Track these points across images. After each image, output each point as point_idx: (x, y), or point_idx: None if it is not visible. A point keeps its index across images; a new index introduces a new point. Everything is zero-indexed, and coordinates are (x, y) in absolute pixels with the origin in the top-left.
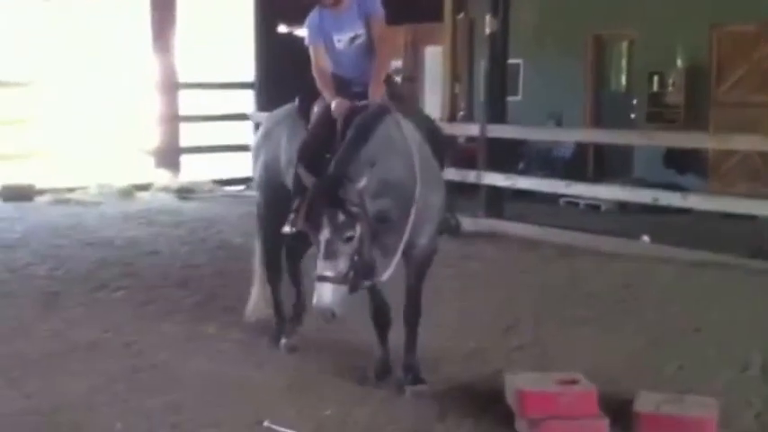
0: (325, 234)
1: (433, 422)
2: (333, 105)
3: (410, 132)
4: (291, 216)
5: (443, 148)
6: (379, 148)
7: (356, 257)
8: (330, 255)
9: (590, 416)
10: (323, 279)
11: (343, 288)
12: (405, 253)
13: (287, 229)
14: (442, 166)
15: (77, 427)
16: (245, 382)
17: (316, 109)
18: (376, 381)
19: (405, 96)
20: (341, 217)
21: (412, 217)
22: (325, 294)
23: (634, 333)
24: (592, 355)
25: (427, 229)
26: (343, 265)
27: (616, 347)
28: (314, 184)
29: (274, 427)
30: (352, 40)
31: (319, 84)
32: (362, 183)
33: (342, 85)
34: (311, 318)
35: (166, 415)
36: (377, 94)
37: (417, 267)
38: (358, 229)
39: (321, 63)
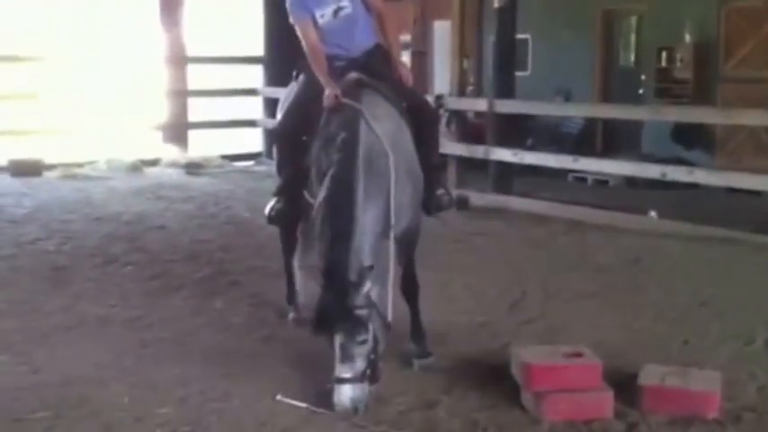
0: (339, 340)
1: (439, 395)
2: (325, 96)
3: (383, 123)
4: (273, 200)
5: (428, 121)
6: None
7: (372, 356)
8: (346, 359)
9: (595, 389)
10: (342, 381)
11: (364, 385)
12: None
13: (267, 210)
14: (429, 137)
15: (85, 400)
16: (252, 356)
17: (297, 82)
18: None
19: (386, 71)
20: (351, 324)
21: (392, 245)
22: (345, 396)
23: (640, 307)
24: (598, 329)
25: (406, 214)
26: (360, 364)
27: (622, 321)
28: (321, 297)
29: (286, 399)
30: (336, 12)
31: (313, 65)
32: (367, 287)
33: (329, 68)
34: None
35: (174, 388)
36: (407, 78)
37: (404, 247)
38: (371, 328)
39: (312, 40)
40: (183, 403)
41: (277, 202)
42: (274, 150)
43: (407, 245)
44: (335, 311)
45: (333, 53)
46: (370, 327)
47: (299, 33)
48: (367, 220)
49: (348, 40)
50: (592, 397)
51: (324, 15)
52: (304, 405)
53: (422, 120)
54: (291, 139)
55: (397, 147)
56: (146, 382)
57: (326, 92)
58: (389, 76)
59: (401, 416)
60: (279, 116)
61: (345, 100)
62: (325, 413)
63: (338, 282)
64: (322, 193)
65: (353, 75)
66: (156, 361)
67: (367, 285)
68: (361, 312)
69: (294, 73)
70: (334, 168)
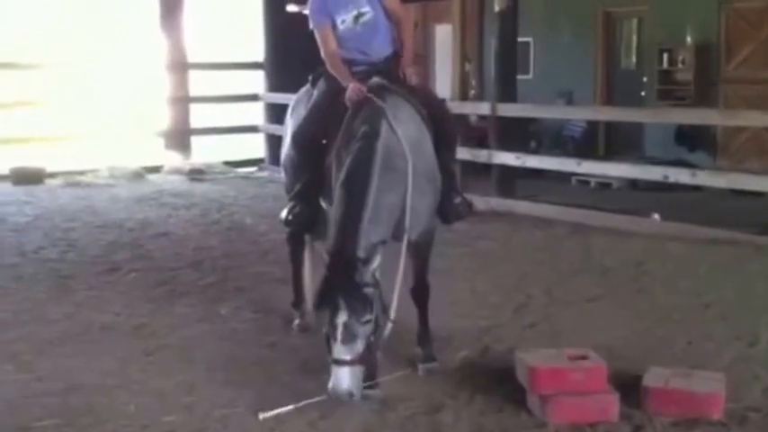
0: (342, 318)
1: (445, 399)
2: (348, 90)
3: (408, 125)
4: (291, 204)
5: (448, 129)
6: (379, 212)
7: (372, 338)
8: (348, 339)
9: (600, 391)
10: (340, 363)
11: (361, 368)
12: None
13: (284, 214)
14: (448, 148)
15: (90, 409)
16: (258, 363)
17: (318, 89)
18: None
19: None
20: (358, 301)
21: (408, 224)
22: (343, 380)
23: (644, 310)
24: (602, 332)
25: (423, 221)
26: (360, 346)
27: (626, 324)
28: (328, 268)
29: (269, 414)
30: (356, 18)
31: (331, 68)
32: (376, 263)
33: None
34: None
35: (180, 396)
36: (408, 65)
37: (418, 252)
38: (375, 309)
39: (331, 46)
40: (189, 411)
41: (294, 206)
42: (286, 155)
43: (422, 251)
44: (343, 287)
45: (353, 58)
46: (375, 307)
47: (318, 39)
48: (381, 206)
49: (368, 46)
50: (597, 400)
51: (345, 21)
52: (289, 407)
53: (442, 127)
54: (310, 144)
55: (417, 151)
56: (151, 389)
57: (350, 87)
58: (412, 85)
59: (407, 420)
60: (288, 120)
61: (370, 95)
62: (326, 415)
63: (347, 257)
64: (340, 179)
65: (376, 79)
66: (162, 369)
67: (375, 262)
68: (368, 291)
69: (310, 78)
70: (352, 155)
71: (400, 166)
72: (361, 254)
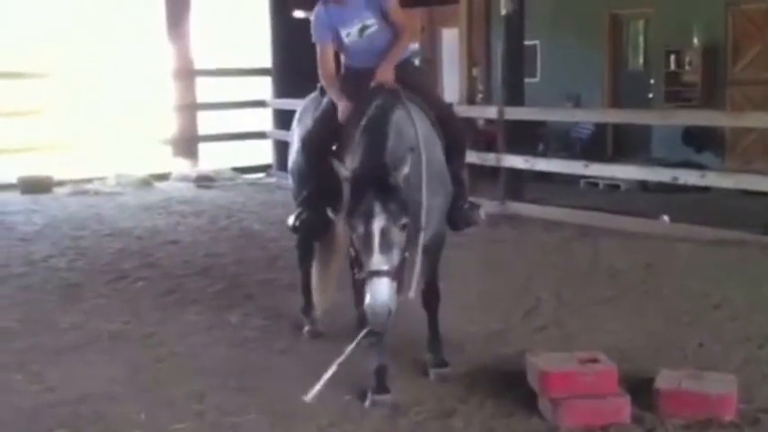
0: (378, 223)
1: (456, 404)
2: (339, 109)
3: (420, 123)
4: (298, 210)
5: (457, 134)
6: (397, 141)
7: (406, 253)
8: (385, 246)
9: (611, 394)
10: (379, 274)
11: (395, 284)
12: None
13: (291, 221)
14: (457, 153)
15: (101, 417)
16: (268, 369)
17: (327, 96)
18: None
19: (418, 82)
20: (394, 203)
21: (423, 222)
22: (383, 291)
23: (654, 311)
24: (612, 334)
25: (435, 221)
26: (396, 257)
27: (636, 326)
28: (358, 172)
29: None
30: (362, 31)
31: (324, 84)
32: (406, 169)
33: (357, 78)
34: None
35: (190, 404)
36: (384, 75)
37: (429, 255)
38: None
39: (328, 63)
40: (200, 418)
41: (302, 212)
42: (294, 161)
43: (433, 254)
44: (378, 189)
45: (361, 67)
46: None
47: (317, 54)
48: (401, 143)
49: (377, 56)
50: (608, 402)
51: (350, 34)
52: (326, 377)
53: (450, 133)
54: (319, 150)
55: (430, 149)
56: (161, 397)
57: (340, 108)
58: (420, 89)
59: (418, 426)
60: (295, 127)
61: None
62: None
63: (377, 162)
64: (357, 135)
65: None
66: (172, 376)
67: (405, 168)
68: (402, 195)
69: (319, 86)
70: (367, 117)
71: (413, 143)
72: (388, 160)
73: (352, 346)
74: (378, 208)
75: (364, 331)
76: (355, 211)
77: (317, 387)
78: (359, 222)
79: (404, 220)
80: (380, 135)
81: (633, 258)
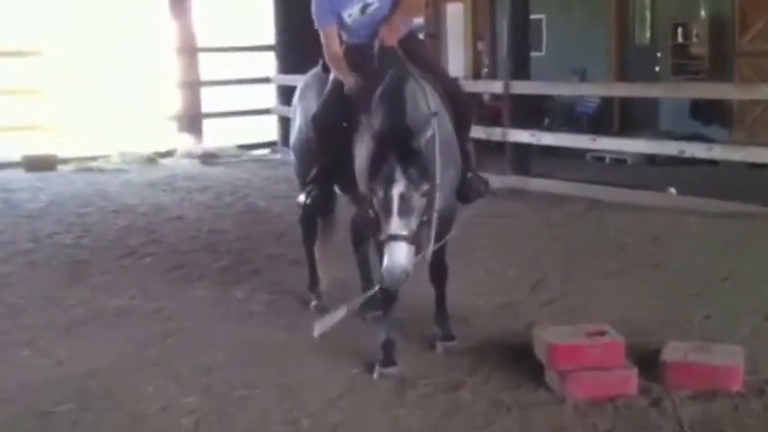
0: (399, 188)
1: (464, 376)
2: (347, 86)
3: (431, 95)
4: (309, 187)
5: (465, 108)
6: (414, 109)
7: (424, 218)
8: (404, 211)
9: (618, 366)
10: (397, 238)
11: (413, 249)
12: None
13: (302, 198)
14: (464, 127)
15: (110, 392)
16: (274, 344)
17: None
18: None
19: (423, 55)
20: (415, 168)
21: (437, 189)
22: (401, 255)
23: (661, 284)
24: (619, 307)
25: (445, 194)
26: (414, 222)
27: (643, 299)
28: (381, 134)
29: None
30: (363, 9)
31: (332, 66)
32: (430, 132)
33: (360, 55)
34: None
35: (198, 378)
36: (388, 38)
37: (439, 230)
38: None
39: (334, 48)
40: (208, 392)
41: (312, 189)
42: (298, 139)
43: (442, 227)
44: (400, 153)
45: (364, 43)
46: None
47: (322, 39)
48: (418, 113)
49: (378, 30)
50: (615, 374)
51: (351, 15)
52: (340, 312)
53: (457, 107)
54: (331, 127)
55: (440, 123)
56: (169, 372)
57: (350, 81)
58: (426, 62)
59: (426, 398)
60: (296, 104)
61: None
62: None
63: (400, 126)
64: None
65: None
66: (179, 351)
67: (428, 132)
68: (424, 159)
69: (321, 61)
70: (383, 86)
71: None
72: (410, 124)
73: (368, 294)
74: (399, 173)
75: (377, 287)
76: (377, 174)
77: (327, 324)
78: (379, 186)
79: (425, 187)
80: (399, 101)
81: (640, 232)
